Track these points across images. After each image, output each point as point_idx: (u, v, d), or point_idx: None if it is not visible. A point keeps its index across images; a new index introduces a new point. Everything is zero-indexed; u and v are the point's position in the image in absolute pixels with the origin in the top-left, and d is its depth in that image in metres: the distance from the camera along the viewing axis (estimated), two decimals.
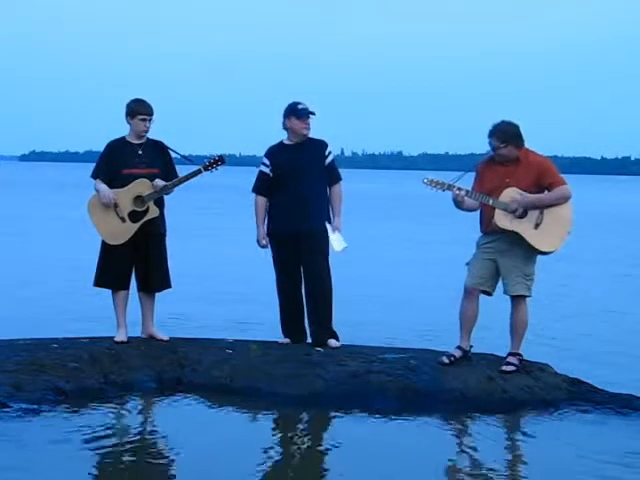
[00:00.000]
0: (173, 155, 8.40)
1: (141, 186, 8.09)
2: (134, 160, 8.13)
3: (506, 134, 7.61)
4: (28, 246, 19.63)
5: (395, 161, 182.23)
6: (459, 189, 7.63)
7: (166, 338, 8.34)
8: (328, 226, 8.26)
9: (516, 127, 7.67)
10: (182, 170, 8.23)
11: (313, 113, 8.30)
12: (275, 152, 8.40)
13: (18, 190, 49.40)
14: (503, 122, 7.67)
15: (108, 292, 8.35)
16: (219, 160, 8.19)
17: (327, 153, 8.38)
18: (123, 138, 8.25)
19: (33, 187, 55.12)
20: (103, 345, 8.10)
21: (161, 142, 8.33)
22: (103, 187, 8.10)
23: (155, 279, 8.27)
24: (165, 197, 8.25)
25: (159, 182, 8.10)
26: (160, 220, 8.25)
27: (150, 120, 8.18)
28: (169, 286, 8.38)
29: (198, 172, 8.16)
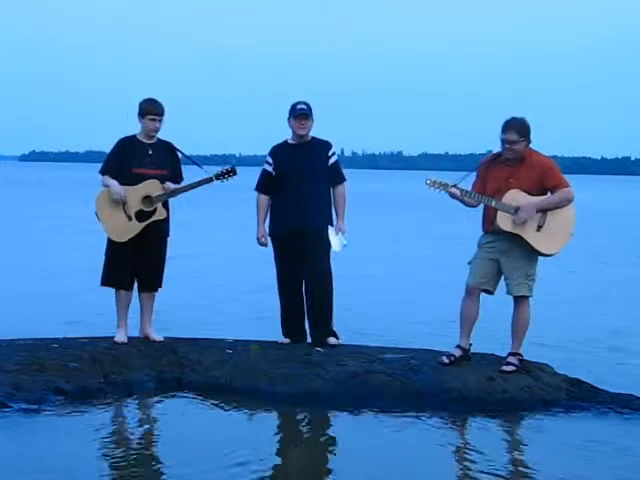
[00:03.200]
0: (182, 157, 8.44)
1: (151, 187, 8.11)
2: (144, 160, 8.15)
3: (525, 128, 7.59)
4: (28, 246, 19.61)
5: (395, 161, 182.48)
6: (458, 189, 7.62)
7: (160, 339, 8.35)
8: (330, 228, 8.26)
9: (529, 123, 7.66)
10: (189, 172, 8.26)
11: (307, 115, 8.26)
12: (278, 151, 8.41)
13: (18, 190, 49.38)
14: (517, 118, 7.63)
15: (109, 292, 8.36)
16: (231, 171, 8.28)
17: (330, 154, 8.38)
18: (134, 136, 8.26)
19: (33, 187, 55.08)
20: (103, 345, 8.11)
21: (171, 143, 8.35)
22: (114, 183, 8.10)
23: (154, 279, 8.29)
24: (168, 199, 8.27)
25: (169, 185, 8.13)
26: (165, 221, 8.26)
27: (160, 120, 8.20)
28: (160, 286, 8.40)
29: (209, 180, 8.24)
